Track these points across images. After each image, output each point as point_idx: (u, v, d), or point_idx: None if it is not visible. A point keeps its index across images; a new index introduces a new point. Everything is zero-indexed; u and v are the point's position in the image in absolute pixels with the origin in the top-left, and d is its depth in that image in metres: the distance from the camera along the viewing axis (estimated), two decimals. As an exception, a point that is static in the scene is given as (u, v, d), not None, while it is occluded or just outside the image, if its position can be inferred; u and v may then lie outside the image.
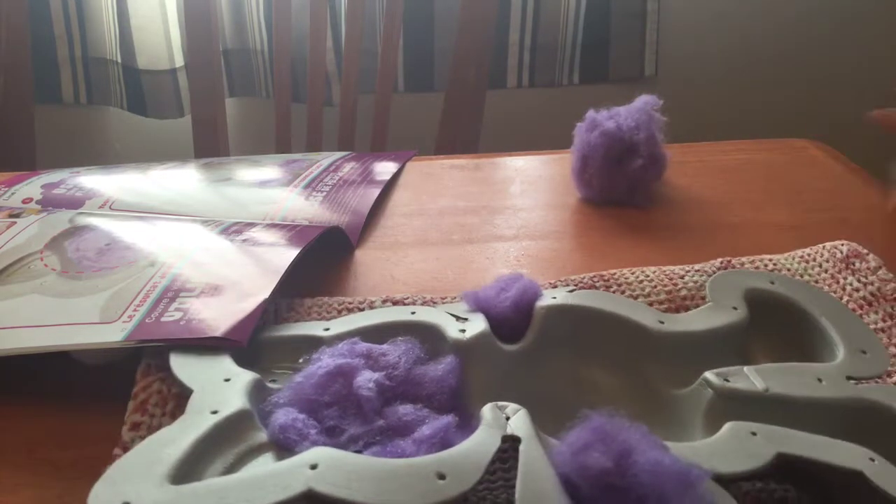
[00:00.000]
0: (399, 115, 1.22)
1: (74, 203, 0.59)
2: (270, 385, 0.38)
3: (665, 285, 0.46)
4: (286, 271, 0.45)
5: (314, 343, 0.40)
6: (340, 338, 0.40)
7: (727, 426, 0.33)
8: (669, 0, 1.48)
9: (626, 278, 0.46)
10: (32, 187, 0.62)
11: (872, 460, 0.31)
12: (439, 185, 0.66)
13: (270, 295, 0.42)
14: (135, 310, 0.41)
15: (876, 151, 0.59)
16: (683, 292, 0.45)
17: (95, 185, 0.62)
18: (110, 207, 0.58)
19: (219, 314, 0.41)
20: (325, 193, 0.60)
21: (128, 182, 0.63)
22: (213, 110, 1.12)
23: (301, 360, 0.38)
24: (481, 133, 1.13)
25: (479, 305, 0.41)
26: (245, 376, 0.36)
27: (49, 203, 0.59)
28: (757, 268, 0.47)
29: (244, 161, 0.69)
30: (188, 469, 0.30)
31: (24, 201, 0.60)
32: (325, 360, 0.36)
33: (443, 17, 1.43)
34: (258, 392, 0.36)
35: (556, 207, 0.62)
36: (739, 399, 0.35)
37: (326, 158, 0.69)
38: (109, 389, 0.38)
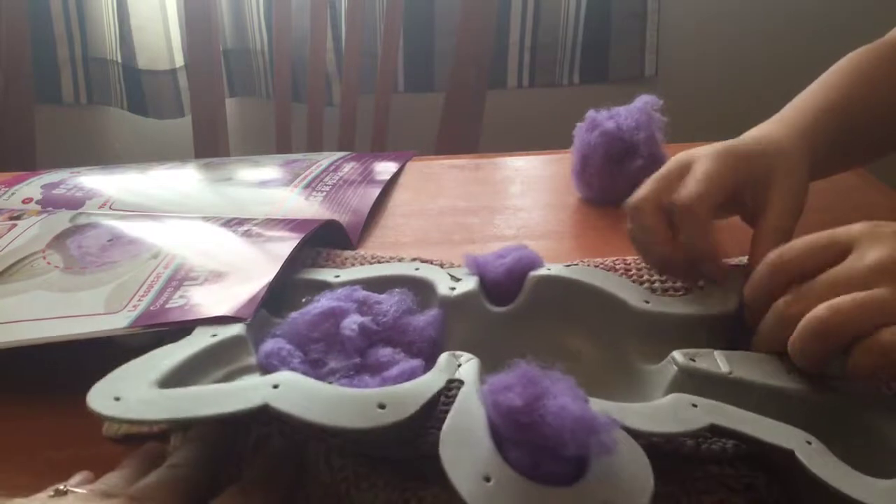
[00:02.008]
0: (399, 115, 1.22)
1: (74, 203, 0.59)
2: (276, 320, 0.41)
3: None
4: (289, 256, 0.45)
5: (323, 287, 0.43)
6: (347, 285, 0.43)
7: (670, 396, 0.34)
8: (669, 0, 1.48)
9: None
10: (32, 187, 0.62)
11: (809, 443, 0.31)
12: (439, 185, 0.66)
13: (274, 278, 0.43)
14: (139, 299, 0.42)
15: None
16: (701, 283, 0.45)
17: (95, 186, 0.62)
18: (110, 207, 0.58)
19: (223, 297, 0.41)
20: (325, 193, 0.60)
21: (128, 182, 0.63)
22: (213, 110, 1.11)
23: (304, 301, 0.41)
24: (481, 133, 1.12)
25: (478, 268, 0.43)
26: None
27: (49, 203, 0.59)
28: None
29: (244, 161, 0.69)
30: (179, 379, 0.33)
31: (24, 201, 0.60)
32: (322, 302, 0.40)
33: (443, 18, 1.43)
34: (260, 324, 0.40)
35: (556, 207, 0.62)
36: (700, 378, 0.35)
37: (326, 158, 0.69)
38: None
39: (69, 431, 0.38)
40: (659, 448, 0.33)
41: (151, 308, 0.41)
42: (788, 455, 0.31)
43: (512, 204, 0.62)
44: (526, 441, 0.28)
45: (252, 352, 0.38)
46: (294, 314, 0.40)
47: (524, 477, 0.28)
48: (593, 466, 0.28)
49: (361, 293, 0.41)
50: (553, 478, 0.28)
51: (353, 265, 0.48)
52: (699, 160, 0.45)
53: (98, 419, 0.38)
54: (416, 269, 0.45)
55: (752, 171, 0.44)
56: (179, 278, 0.43)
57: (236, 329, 0.38)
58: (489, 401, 0.30)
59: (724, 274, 0.43)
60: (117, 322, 0.40)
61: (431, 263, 0.47)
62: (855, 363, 0.34)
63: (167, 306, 0.40)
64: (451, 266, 0.47)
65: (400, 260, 0.48)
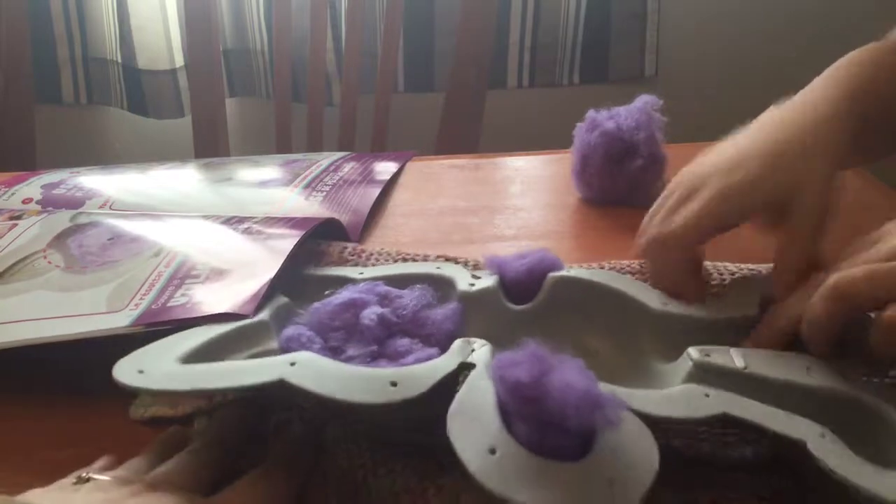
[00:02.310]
0: (399, 115, 1.22)
1: (74, 203, 0.59)
2: (300, 311, 0.42)
3: (712, 279, 0.46)
4: (291, 252, 0.45)
5: (347, 283, 0.44)
6: (370, 281, 0.44)
7: (683, 385, 0.34)
8: (669, 0, 1.48)
9: None
10: (32, 187, 0.62)
11: (823, 436, 0.31)
12: (439, 185, 0.66)
13: (276, 275, 0.43)
14: (141, 298, 0.42)
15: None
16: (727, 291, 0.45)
17: (95, 186, 0.62)
18: (110, 207, 0.58)
19: (225, 296, 0.41)
20: (325, 193, 0.60)
21: (128, 182, 0.63)
22: (213, 110, 1.11)
23: (327, 293, 0.42)
24: (481, 133, 1.12)
25: (498, 267, 0.44)
26: (277, 299, 0.42)
27: (49, 203, 0.59)
28: None
29: (244, 161, 0.69)
30: (201, 358, 0.35)
31: (24, 201, 0.60)
32: (344, 294, 0.41)
33: (443, 18, 1.43)
34: (285, 313, 0.41)
35: (556, 207, 0.62)
36: (715, 373, 0.35)
37: (326, 158, 0.69)
38: (108, 390, 0.38)
39: (68, 431, 0.38)
40: (680, 453, 0.33)
41: (153, 307, 0.41)
42: (801, 446, 0.31)
43: (512, 204, 0.62)
44: (531, 415, 0.29)
45: (275, 336, 0.39)
46: (316, 304, 0.41)
47: (530, 451, 0.28)
48: (599, 444, 0.29)
49: (383, 288, 0.42)
50: (559, 452, 0.28)
51: (377, 262, 0.49)
52: (704, 188, 0.44)
53: (123, 405, 0.38)
54: (438, 267, 0.45)
55: (766, 196, 0.43)
56: (181, 276, 0.43)
57: (261, 314, 0.39)
58: (496, 375, 0.30)
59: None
60: (119, 321, 0.40)
61: (456, 262, 0.47)
62: (873, 339, 0.34)
63: (169, 304, 0.40)
64: (476, 264, 0.48)
65: (425, 258, 0.49)
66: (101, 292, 0.43)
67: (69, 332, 0.40)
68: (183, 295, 0.41)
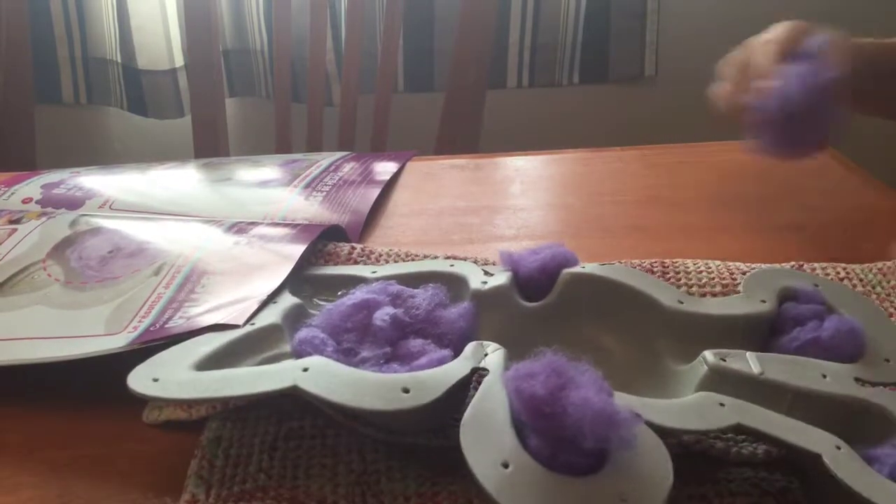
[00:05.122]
0: (399, 115, 1.22)
1: (74, 203, 0.59)
2: (312, 312, 0.42)
3: (724, 278, 0.46)
4: (298, 261, 0.45)
5: (359, 282, 0.44)
6: (382, 280, 0.44)
7: (698, 394, 0.34)
8: (669, 0, 1.48)
9: (685, 267, 0.47)
10: (32, 187, 0.62)
11: (839, 448, 0.31)
12: (439, 185, 0.66)
13: (279, 285, 0.43)
14: (140, 320, 0.41)
15: (876, 151, 0.59)
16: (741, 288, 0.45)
17: (95, 185, 0.62)
18: (110, 207, 0.58)
19: (222, 316, 0.41)
20: (325, 193, 0.60)
21: (128, 182, 0.63)
22: (213, 110, 1.11)
23: (340, 294, 0.42)
24: (481, 133, 1.12)
25: (512, 264, 0.44)
26: (289, 300, 0.42)
27: (49, 203, 0.59)
28: (827, 274, 0.47)
29: (244, 161, 0.69)
30: (215, 364, 0.35)
31: (23, 201, 0.60)
32: (356, 294, 0.41)
33: (443, 17, 1.43)
34: (297, 314, 0.41)
35: (556, 207, 0.62)
36: (730, 378, 0.35)
37: (326, 158, 0.69)
38: (108, 390, 0.38)
39: (68, 431, 0.38)
40: (690, 449, 0.33)
41: (151, 328, 0.41)
42: (815, 459, 0.30)
43: (512, 204, 0.62)
44: (546, 430, 0.28)
45: (287, 340, 0.39)
46: (329, 305, 0.41)
47: (542, 465, 0.28)
48: (613, 459, 0.28)
49: (396, 287, 0.42)
50: (571, 468, 0.28)
51: (387, 262, 0.49)
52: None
53: (124, 405, 0.38)
54: (451, 265, 0.45)
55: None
56: (180, 300, 0.43)
57: (273, 317, 0.39)
58: (512, 387, 0.30)
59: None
60: (116, 343, 0.40)
61: (465, 260, 0.47)
62: None
63: (167, 325, 0.40)
64: (486, 262, 0.47)
65: (435, 257, 0.49)
66: (100, 313, 0.43)
67: (66, 353, 0.39)
68: (181, 317, 0.41)
